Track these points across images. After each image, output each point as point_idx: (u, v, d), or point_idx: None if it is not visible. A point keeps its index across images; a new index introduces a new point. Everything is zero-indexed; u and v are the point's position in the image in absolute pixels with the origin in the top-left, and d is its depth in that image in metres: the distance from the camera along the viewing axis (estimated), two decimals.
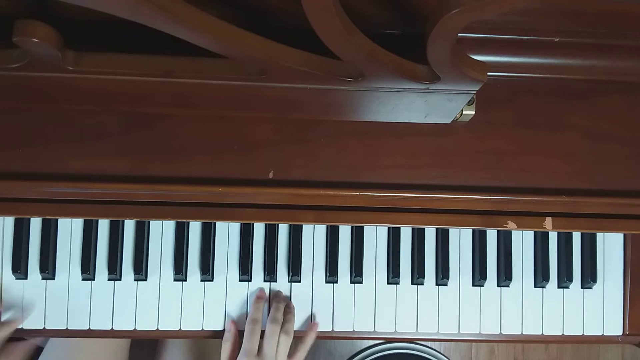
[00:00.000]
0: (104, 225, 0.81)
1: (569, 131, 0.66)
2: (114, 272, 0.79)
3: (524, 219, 0.69)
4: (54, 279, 0.79)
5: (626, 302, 0.85)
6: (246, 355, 0.74)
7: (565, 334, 0.84)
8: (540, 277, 0.84)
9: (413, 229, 0.83)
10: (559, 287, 0.85)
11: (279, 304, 0.80)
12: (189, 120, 0.63)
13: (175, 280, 0.81)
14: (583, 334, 0.84)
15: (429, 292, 0.83)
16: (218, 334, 0.80)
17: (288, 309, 0.80)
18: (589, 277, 0.84)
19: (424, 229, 0.83)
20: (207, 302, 0.81)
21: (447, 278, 0.83)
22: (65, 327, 0.79)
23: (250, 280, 0.81)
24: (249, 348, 0.75)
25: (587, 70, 0.63)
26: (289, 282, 0.82)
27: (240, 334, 0.79)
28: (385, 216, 0.68)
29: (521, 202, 0.65)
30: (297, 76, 0.51)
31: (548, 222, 0.69)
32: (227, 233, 0.82)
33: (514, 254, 0.84)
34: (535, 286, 0.84)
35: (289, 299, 0.82)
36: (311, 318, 0.82)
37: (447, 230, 0.83)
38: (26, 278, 0.79)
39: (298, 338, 0.81)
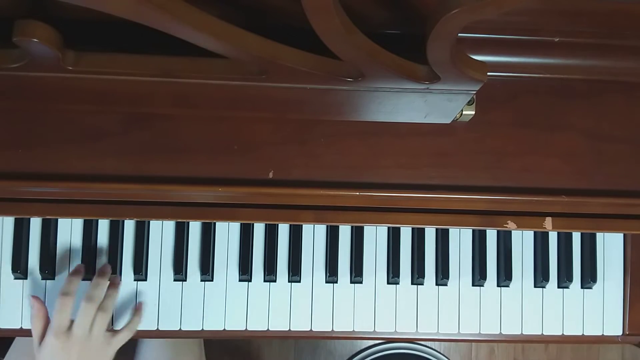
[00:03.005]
0: (104, 225, 0.81)
1: (569, 131, 0.66)
2: (114, 272, 0.79)
3: (524, 219, 0.69)
4: (53, 279, 0.79)
5: (626, 302, 0.85)
6: (54, 332, 0.69)
7: (565, 334, 0.84)
8: (540, 277, 0.83)
9: (413, 229, 0.83)
10: (558, 287, 0.85)
11: (99, 279, 0.74)
12: (189, 120, 0.63)
13: (175, 280, 0.81)
14: (583, 334, 0.84)
15: (429, 292, 0.83)
16: (218, 334, 0.80)
17: (113, 285, 0.76)
18: (589, 277, 0.84)
19: (424, 229, 0.83)
20: (207, 302, 0.81)
21: (447, 278, 0.83)
22: None
23: (251, 280, 0.81)
24: (58, 324, 0.70)
25: (587, 70, 0.63)
26: (289, 282, 0.82)
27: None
28: (385, 216, 0.68)
29: (521, 202, 0.65)
30: (297, 76, 0.51)
31: (548, 222, 0.69)
32: (227, 233, 0.81)
33: (514, 254, 0.84)
34: (535, 286, 0.84)
35: (115, 273, 0.78)
36: (311, 317, 0.82)
37: (447, 230, 0.83)
38: (26, 278, 0.79)
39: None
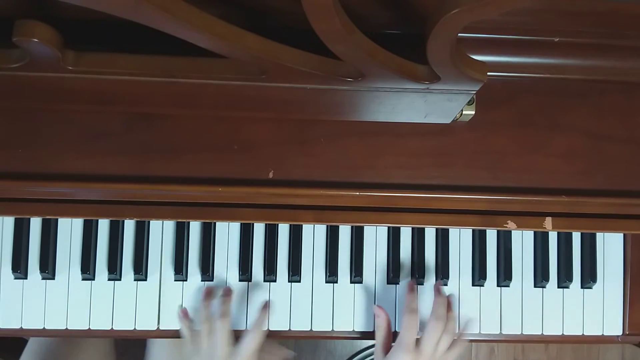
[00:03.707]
0: (104, 225, 0.81)
1: (569, 131, 0.66)
2: (114, 272, 0.79)
3: (524, 219, 0.69)
4: (53, 278, 0.79)
5: (626, 302, 0.85)
6: (404, 349, 0.72)
7: (565, 334, 0.84)
8: (540, 277, 0.83)
9: (413, 229, 0.83)
10: (558, 287, 0.85)
11: (441, 298, 0.78)
12: (189, 120, 0.63)
13: (175, 280, 0.81)
14: (583, 334, 0.84)
15: (429, 292, 0.83)
16: None
17: (449, 306, 0.78)
18: (589, 277, 0.84)
19: (424, 229, 0.83)
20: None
21: (447, 278, 0.83)
22: (65, 327, 0.79)
23: (251, 280, 0.81)
24: (408, 342, 0.72)
25: (587, 70, 0.63)
26: (288, 281, 0.82)
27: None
28: (385, 216, 0.68)
29: (521, 202, 0.65)
30: (297, 76, 0.51)
31: (548, 222, 0.69)
32: (227, 233, 0.81)
33: (514, 254, 0.84)
34: (535, 286, 0.84)
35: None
36: (311, 317, 0.82)
37: (447, 230, 0.83)
38: (26, 278, 0.79)
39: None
